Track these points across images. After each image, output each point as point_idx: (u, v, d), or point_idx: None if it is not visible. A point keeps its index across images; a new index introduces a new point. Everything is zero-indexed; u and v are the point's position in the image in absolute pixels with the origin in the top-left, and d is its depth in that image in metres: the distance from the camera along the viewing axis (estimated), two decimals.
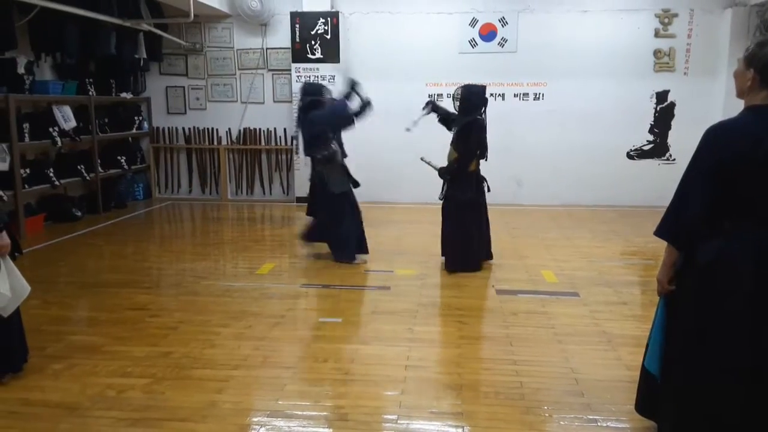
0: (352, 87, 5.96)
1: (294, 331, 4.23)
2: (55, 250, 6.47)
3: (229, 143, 9.72)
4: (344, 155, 5.84)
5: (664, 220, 2.53)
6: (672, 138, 8.94)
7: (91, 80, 8.39)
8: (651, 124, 8.97)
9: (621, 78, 8.82)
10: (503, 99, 9.10)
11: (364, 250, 5.98)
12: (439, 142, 5.84)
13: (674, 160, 8.92)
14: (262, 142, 9.61)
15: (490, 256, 5.86)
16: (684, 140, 8.71)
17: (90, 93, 8.32)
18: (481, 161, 5.61)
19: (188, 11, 7.95)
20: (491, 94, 9.06)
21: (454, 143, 5.58)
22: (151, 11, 8.60)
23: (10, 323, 3.37)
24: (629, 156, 9.07)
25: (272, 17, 9.15)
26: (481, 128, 5.48)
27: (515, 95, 9.09)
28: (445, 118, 5.84)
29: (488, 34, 8.95)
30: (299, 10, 8.88)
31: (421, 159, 5.79)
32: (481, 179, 5.64)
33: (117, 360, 3.68)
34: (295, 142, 5.95)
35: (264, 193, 9.78)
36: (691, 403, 2.44)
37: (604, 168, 9.01)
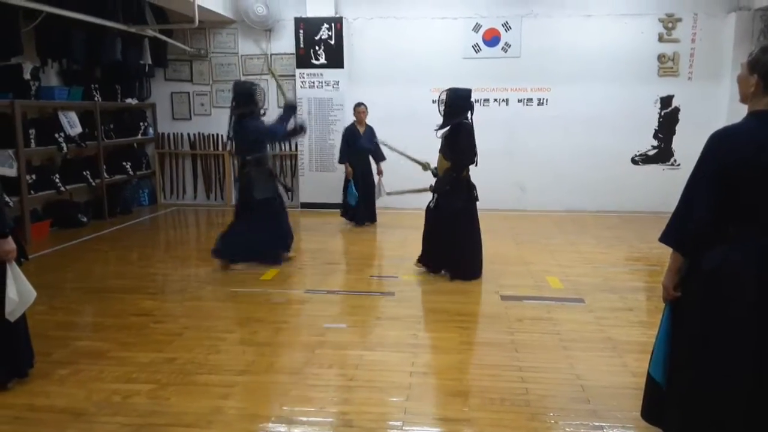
0: (291, 112, 6.12)
1: (299, 336, 4.23)
2: (60, 256, 6.49)
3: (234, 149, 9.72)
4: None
5: (669, 226, 2.52)
6: (676, 143, 8.93)
7: (96, 86, 8.44)
8: (655, 129, 8.96)
9: (625, 83, 8.82)
10: (507, 104, 9.11)
11: (287, 248, 6.18)
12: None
13: (679, 165, 8.91)
14: (267, 148, 9.60)
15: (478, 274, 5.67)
16: (688, 145, 8.66)
17: (95, 99, 8.36)
18: (471, 167, 5.54)
19: (193, 17, 7.98)
20: (495, 100, 9.10)
21: (443, 149, 5.55)
22: (156, 17, 8.65)
23: (17, 328, 3.38)
24: (633, 161, 9.06)
25: (277, 23, 9.19)
26: (469, 131, 5.42)
27: (519, 100, 9.09)
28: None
29: (492, 39, 8.97)
30: (303, 16, 8.91)
31: (389, 194, 5.84)
32: (472, 186, 5.56)
33: (122, 366, 3.69)
34: (229, 143, 5.98)
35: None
36: (697, 410, 2.43)
37: (608, 173, 9.00)
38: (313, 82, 9.01)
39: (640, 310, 4.77)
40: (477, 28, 8.95)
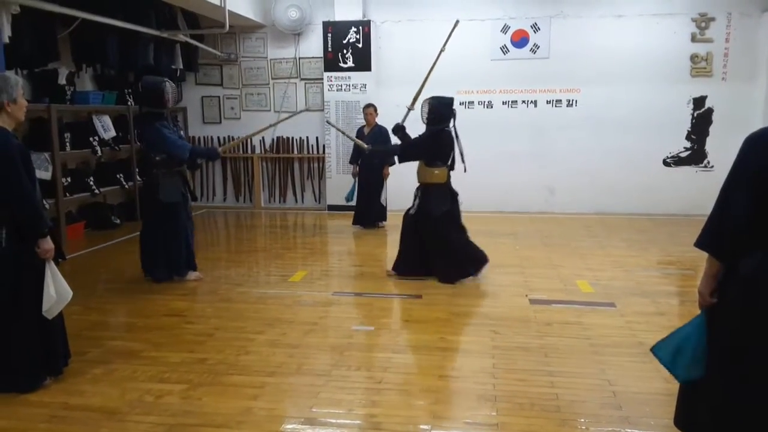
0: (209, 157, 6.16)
1: (327, 338, 4.26)
2: (94, 257, 6.64)
3: (263, 152, 9.85)
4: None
5: (704, 230, 2.47)
6: (710, 145, 8.75)
7: (129, 91, 8.61)
8: (688, 131, 8.80)
9: (656, 83, 8.67)
10: (535, 106, 9.04)
11: (191, 267, 5.68)
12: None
13: (712, 167, 8.73)
14: (295, 151, 9.72)
15: (484, 262, 5.64)
16: (722, 147, 8.51)
17: (129, 103, 8.53)
18: (452, 173, 5.62)
19: (224, 22, 8.09)
20: (523, 102, 9.04)
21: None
22: (188, 23, 8.79)
23: (53, 327, 3.46)
24: (665, 163, 8.90)
25: (308, 26, 9.26)
26: (448, 138, 5.49)
27: (547, 102, 9.01)
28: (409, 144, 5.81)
29: (520, 40, 8.91)
30: (331, 20, 8.97)
31: (327, 122, 5.89)
32: (455, 192, 5.59)
33: (155, 365, 3.75)
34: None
35: (296, 201, 9.88)
36: (730, 420, 2.38)
37: (639, 175, 8.86)
38: (341, 85, 9.06)
39: (672, 315, 4.68)
40: (505, 29, 8.90)
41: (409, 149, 5.71)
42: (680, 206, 8.61)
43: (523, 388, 3.42)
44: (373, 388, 3.45)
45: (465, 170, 5.59)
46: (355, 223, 8.05)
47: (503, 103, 9.11)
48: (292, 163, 9.84)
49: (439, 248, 5.47)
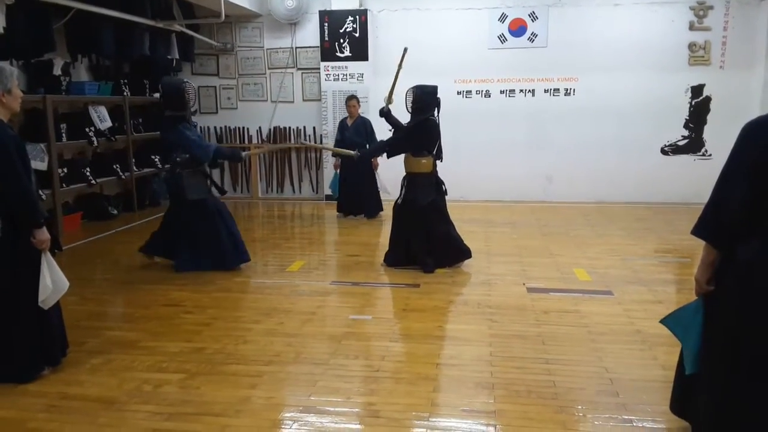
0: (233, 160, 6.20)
1: (325, 327, 4.26)
2: (91, 248, 6.63)
3: (260, 142, 9.82)
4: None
5: (701, 218, 2.47)
6: (708, 133, 8.75)
7: (125, 81, 8.57)
8: (686, 119, 8.79)
9: (654, 72, 8.65)
10: (533, 95, 9.02)
11: (244, 257, 5.69)
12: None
13: (710, 155, 8.72)
14: (292, 141, 9.68)
15: (465, 256, 5.66)
16: (720, 135, 8.51)
17: (125, 93, 8.50)
18: (438, 163, 5.62)
19: (219, 12, 8.05)
20: (521, 90, 9.01)
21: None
22: (184, 12, 8.74)
23: (50, 318, 3.46)
24: (663, 152, 8.90)
25: (303, 16, 9.20)
26: (433, 127, 5.48)
27: (545, 91, 8.99)
28: (397, 127, 5.82)
29: (518, 29, 8.87)
30: (328, 9, 8.92)
31: (302, 143, 5.85)
32: (440, 181, 5.59)
33: (153, 355, 3.76)
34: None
35: (294, 191, 9.86)
36: (728, 405, 2.39)
37: (637, 164, 8.86)
38: (338, 75, 9.03)
39: (670, 303, 4.68)
40: (503, 18, 8.86)
41: (396, 144, 5.71)
42: (678, 194, 8.61)
43: (520, 375, 3.43)
44: (371, 377, 3.46)
45: (441, 161, 5.59)
46: (339, 211, 8.10)
47: (501, 92, 9.08)
48: (289, 153, 9.82)
49: (422, 238, 5.48)
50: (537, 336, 4.00)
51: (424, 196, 5.45)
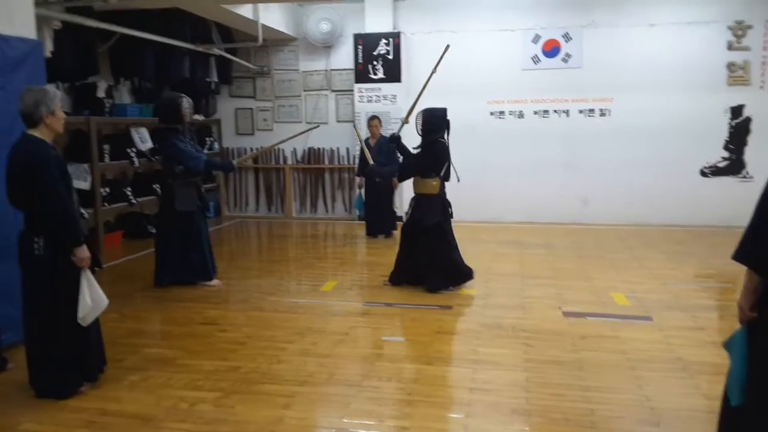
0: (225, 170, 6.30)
1: (357, 348, 4.26)
2: (131, 265, 6.78)
3: (295, 163, 9.95)
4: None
5: (742, 242, 2.40)
6: (749, 154, 8.54)
7: None
8: (726, 140, 8.59)
9: (692, 92, 8.51)
10: (567, 115, 8.95)
11: (209, 276, 5.79)
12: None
13: (751, 177, 8.50)
14: (326, 162, 9.79)
15: (466, 279, 5.63)
16: (762, 157, 8.33)
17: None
18: (447, 184, 5.64)
19: (257, 36, 8.25)
20: (555, 111, 8.96)
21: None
22: (222, 37, 8.96)
23: (89, 334, 3.53)
24: (703, 173, 8.71)
25: (337, 39, 9.36)
26: (442, 149, 5.51)
27: (580, 111, 8.92)
28: (405, 155, 5.82)
29: (551, 50, 8.85)
30: (362, 32, 9.05)
31: (354, 127, 6.10)
32: (447, 203, 5.61)
33: (189, 373, 3.80)
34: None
35: (327, 211, 9.93)
36: None
37: (675, 186, 8.68)
38: (371, 96, 9.11)
39: (712, 330, 4.56)
40: (536, 39, 8.86)
41: (406, 170, 5.86)
42: (719, 217, 8.39)
43: (556, 402, 3.36)
44: (404, 400, 3.43)
45: (458, 180, 5.60)
46: (368, 233, 8.21)
47: (534, 112, 9.04)
48: (323, 173, 9.92)
49: (427, 258, 5.50)
50: (574, 362, 3.92)
51: (430, 217, 5.48)
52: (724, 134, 8.58)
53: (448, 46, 5.98)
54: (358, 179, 8.39)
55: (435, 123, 5.50)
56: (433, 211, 5.50)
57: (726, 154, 8.62)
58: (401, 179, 6.02)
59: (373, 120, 8.12)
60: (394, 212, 8.11)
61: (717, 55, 8.42)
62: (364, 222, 8.39)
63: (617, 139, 8.78)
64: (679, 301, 5.20)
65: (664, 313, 4.87)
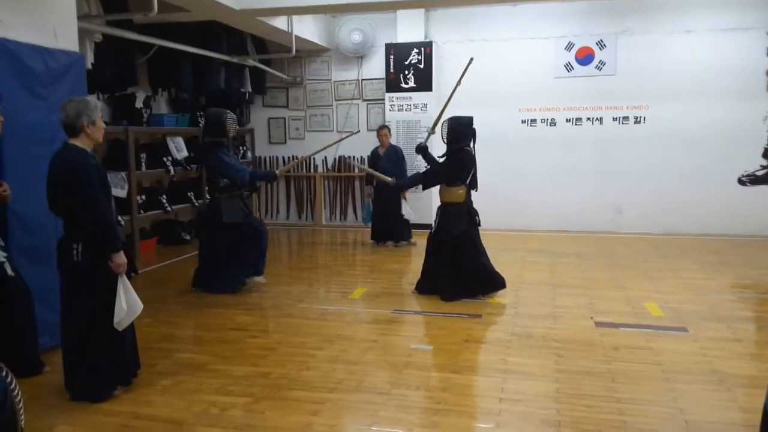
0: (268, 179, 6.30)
1: (386, 356, 4.26)
2: (165, 272, 6.92)
3: (325, 171, 10.04)
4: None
5: None
6: None
7: (201, 113, 8.98)
8: (765, 148, 8.37)
9: (729, 100, 8.33)
10: (601, 123, 8.85)
11: (259, 272, 6.01)
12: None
13: None
14: (356, 170, 9.85)
15: (498, 287, 5.60)
16: None
17: (200, 125, 8.89)
18: (473, 193, 5.62)
19: (290, 47, 8.38)
20: (588, 119, 8.87)
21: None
22: (257, 48, 9.12)
23: (124, 338, 3.61)
24: (740, 182, 8.49)
25: (369, 49, 9.43)
26: (468, 157, 5.49)
27: (614, 119, 8.81)
28: (432, 163, 5.83)
29: (585, 57, 8.77)
30: (394, 42, 9.10)
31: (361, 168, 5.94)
32: (474, 211, 5.58)
33: (220, 378, 3.86)
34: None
35: (356, 219, 9.98)
36: None
37: (712, 194, 8.49)
38: (402, 105, 9.15)
39: (749, 342, 4.44)
40: (569, 47, 8.79)
41: (431, 178, 5.88)
42: (757, 227, 8.18)
43: (588, 414, 3.31)
44: (432, 408, 3.42)
45: (476, 190, 5.63)
46: (375, 240, 8.27)
47: (567, 120, 8.96)
48: (352, 181, 9.98)
49: (449, 266, 5.49)
50: (607, 373, 3.85)
51: (457, 225, 5.47)
52: (762, 142, 8.36)
53: (471, 59, 6.02)
54: (367, 188, 8.39)
55: (460, 131, 5.50)
56: (460, 220, 5.49)
57: (765, 162, 8.39)
58: (426, 187, 6.13)
59: (383, 129, 8.19)
60: (405, 220, 8.07)
61: (756, 62, 8.23)
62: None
63: (652, 147, 8.64)
64: (715, 312, 5.07)
65: (699, 324, 4.76)
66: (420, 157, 5.96)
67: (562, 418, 3.26)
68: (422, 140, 5.96)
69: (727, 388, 3.61)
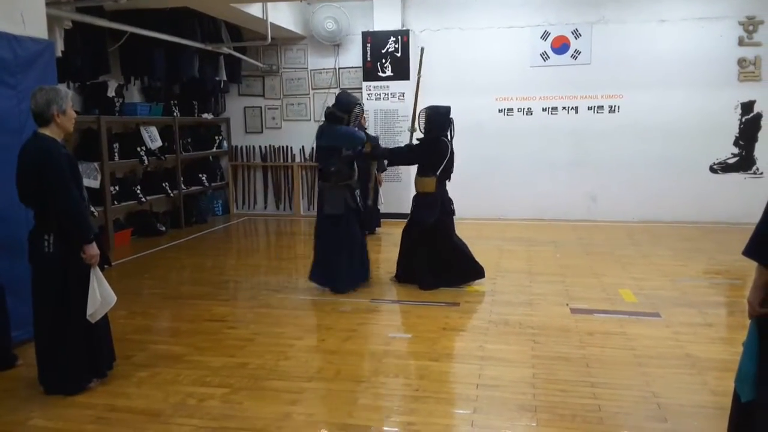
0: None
1: (365, 345, 4.27)
2: (140, 263, 6.83)
3: (303, 161, 9.98)
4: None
5: (752, 238, 2.39)
6: (759, 151, 8.48)
7: (175, 102, 8.86)
8: (736, 136, 8.53)
9: (702, 88, 8.46)
10: (576, 112, 8.92)
11: (364, 276, 5.74)
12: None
13: (761, 173, 8.45)
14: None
15: (477, 276, 5.64)
16: None
17: (174, 114, 8.78)
18: (447, 182, 5.62)
19: (266, 34, 8.28)
20: (563, 108, 8.93)
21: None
22: (231, 35, 9.00)
23: (98, 331, 3.56)
24: (712, 170, 8.65)
25: (346, 37, 9.37)
26: (443, 147, 5.47)
27: (589, 108, 8.88)
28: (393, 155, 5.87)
29: (561, 46, 8.82)
30: (371, 30, 9.05)
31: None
32: (448, 200, 5.59)
33: (197, 369, 3.83)
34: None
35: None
36: None
37: (685, 182, 8.63)
38: (380, 94, 9.12)
39: (720, 326, 4.54)
40: (545, 36, 8.83)
41: (399, 156, 5.90)
42: (728, 214, 8.35)
43: (564, 398, 3.36)
44: (410, 396, 3.44)
45: (449, 180, 5.62)
46: None
47: (543, 109, 9.02)
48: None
49: (425, 255, 5.51)
50: (581, 358, 3.91)
51: (429, 215, 5.47)
52: (734, 130, 8.52)
53: (423, 49, 6.08)
54: None
55: (438, 120, 5.50)
56: (431, 209, 5.48)
57: (736, 150, 8.55)
58: (391, 163, 6.15)
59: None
60: (378, 209, 8.08)
61: (728, 51, 8.36)
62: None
63: (626, 136, 8.74)
64: (688, 298, 5.18)
65: (672, 310, 4.85)
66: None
67: (539, 403, 3.30)
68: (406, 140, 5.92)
69: (698, 371, 3.69)
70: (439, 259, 5.52)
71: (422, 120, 5.56)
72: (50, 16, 5.08)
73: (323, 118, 5.82)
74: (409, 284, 5.63)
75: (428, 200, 5.52)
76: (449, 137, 5.56)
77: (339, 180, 5.44)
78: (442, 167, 5.49)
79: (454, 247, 5.59)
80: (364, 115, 8.15)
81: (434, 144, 5.50)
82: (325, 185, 5.50)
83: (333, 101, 5.74)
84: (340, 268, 5.45)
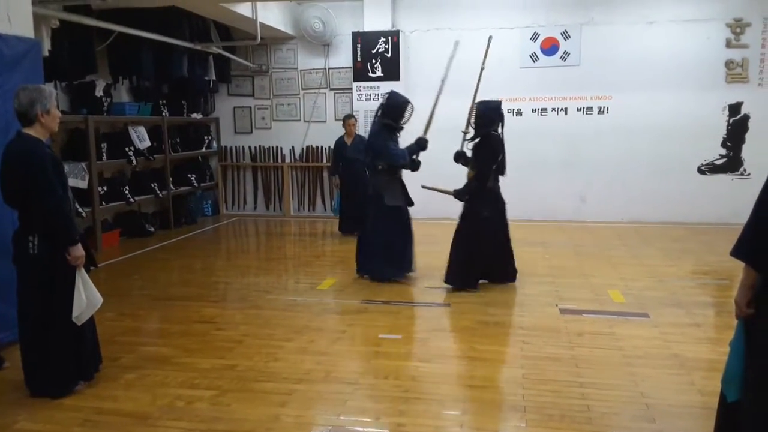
0: (420, 147, 5.88)
1: (355, 346, 4.26)
2: (129, 264, 6.78)
3: (293, 161, 9.95)
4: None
5: (740, 239, 2.41)
6: (746, 152, 8.54)
7: (164, 102, 8.81)
8: (723, 138, 8.60)
9: (690, 90, 8.52)
10: (565, 113, 8.95)
11: (411, 268, 5.93)
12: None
13: (749, 175, 8.51)
14: (324, 160, 9.79)
15: (512, 277, 5.69)
16: (759, 154, 8.34)
17: (163, 114, 8.72)
18: (500, 179, 5.57)
19: (255, 34, 8.25)
20: (553, 109, 8.96)
21: (471, 161, 5.59)
22: (221, 35, 8.96)
23: (84, 333, 3.53)
24: (700, 171, 8.71)
25: (335, 38, 9.36)
26: (497, 142, 5.45)
27: (578, 109, 8.92)
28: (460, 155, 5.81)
29: (550, 48, 8.85)
30: (361, 30, 9.04)
31: (423, 186, 5.74)
32: (500, 197, 5.56)
33: (186, 371, 3.81)
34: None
35: (325, 210, 9.93)
36: None
37: (673, 183, 8.69)
38: (370, 95, 9.11)
39: (708, 326, 4.57)
40: (535, 37, 8.85)
41: (483, 174, 5.46)
42: (716, 215, 8.41)
43: (553, 399, 3.37)
44: (400, 397, 3.44)
45: (504, 174, 5.56)
46: (341, 230, 8.23)
47: (533, 110, 9.04)
48: (321, 171, 9.92)
49: (490, 250, 5.52)
50: (571, 359, 3.93)
51: (482, 210, 5.40)
52: (722, 132, 8.58)
53: (491, 37, 6.15)
54: (334, 178, 8.35)
55: (489, 116, 5.44)
56: (486, 205, 5.39)
57: (724, 151, 8.62)
58: (483, 187, 5.49)
59: (350, 119, 8.14)
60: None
61: (715, 53, 8.42)
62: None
63: (615, 137, 8.79)
64: (676, 298, 5.21)
65: (660, 310, 4.87)
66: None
67: (528, 404, 3.31)
68: (460, 147, 5.81)
69: (686, 371, 3.71)
70: (501, 255, 5.53)
71: (473, 115, 5.52)
72: (37, 14, 5.04)
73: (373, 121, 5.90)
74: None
75: (485, 195, 5.44)
76: (501, 131, 5.49)
77: (391, 174, 5.70)
78: (497, 162, 5.42)
79: (506, 244, 5.60)
80: (354, 121, 8.17)
81: (487, 140, 5.43)
82: (381, 179, 5.70)
83: (383, 103, 5.80)
84: (407, 253, 5.80)
